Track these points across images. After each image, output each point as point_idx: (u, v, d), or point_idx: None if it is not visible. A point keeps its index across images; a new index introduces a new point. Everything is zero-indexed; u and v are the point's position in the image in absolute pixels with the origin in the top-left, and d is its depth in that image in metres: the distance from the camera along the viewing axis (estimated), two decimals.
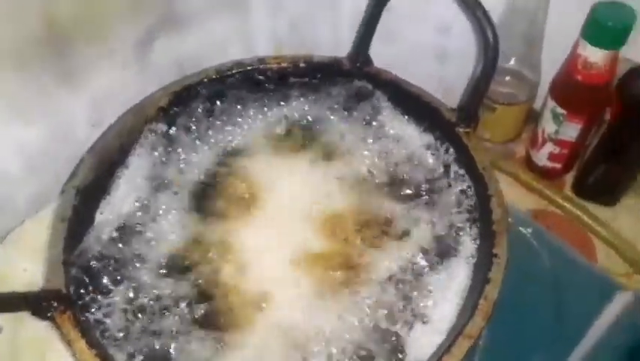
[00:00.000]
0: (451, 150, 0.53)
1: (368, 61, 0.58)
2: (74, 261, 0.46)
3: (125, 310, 0.46)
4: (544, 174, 0.67)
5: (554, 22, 0.61)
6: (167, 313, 0.47)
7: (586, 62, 0.57)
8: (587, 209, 0.63)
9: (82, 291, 0.46)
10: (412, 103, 0.56)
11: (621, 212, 0.64)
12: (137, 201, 0.52)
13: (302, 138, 0.58)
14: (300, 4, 0.69)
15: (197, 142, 0.57)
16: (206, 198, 0.54)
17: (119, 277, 0.48)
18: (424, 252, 0.49)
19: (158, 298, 0.47)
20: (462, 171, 0.51)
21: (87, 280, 0.47)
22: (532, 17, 0.61)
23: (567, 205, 0.64)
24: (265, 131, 0.59)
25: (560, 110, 0.61)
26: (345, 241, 0.50)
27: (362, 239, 0.50)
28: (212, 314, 0.47)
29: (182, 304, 0.47)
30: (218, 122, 0.58)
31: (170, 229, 0.51)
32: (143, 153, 0.54)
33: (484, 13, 0.48)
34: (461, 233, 0.49)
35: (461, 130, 0.51)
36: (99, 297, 0.46)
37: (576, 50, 0.57)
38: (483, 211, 0.47)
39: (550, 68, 0.63)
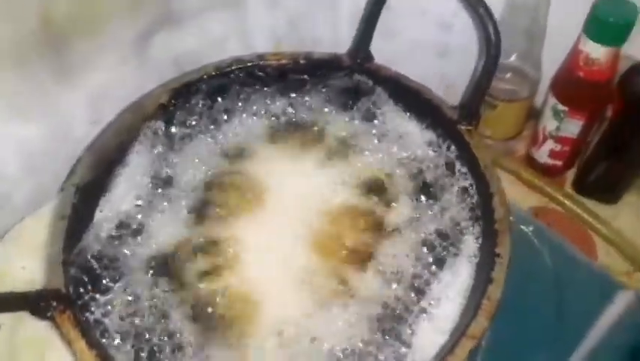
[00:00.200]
0: (453, 147, 0.53)
1: (369, 57, 0.58)
2: (74, 260, 0.46)
3: (124, 310, 0.46)
4: (545, 171, 0.67)
5: (556, 19, 0.61)
6: (166, 313, 0.46)
7: (587, 59, 0.56)
8: (588, 207, 0.63)
9: (81, 290, 0.45)
10: (413, 100, 0.55)
11: (622, 210, 0.64)
12: (136, 200, 0.52)
13: (303, 135, 0.58)
14: (298, 0, 0.68)
15: (197, 140, 0.57)
16: (206, 196, 0.53)
17: (118, 277, 0.48)
18: (426, 251, 0.49)
19: (157, 297, 0.47)
20: (464, 170, 0.51)
21: (86, 279, 0.46)
22: (533, 13, 0.60)
23: (568, 203, 0.64)
24: (266, 129, 0.58)
25: (561, 107, 0.61)
26: (347, 239, 0.50)
27: (364, 238, 0.50)
28: (212, 315, 0.46)
29: (182, 304, 0.47)
30: (219, 120, 0.58)
31: (170, 227, 0.51)
32: (143, 151, 0.54)
33: (486, 9, 0.48)
34: (463, 232, 0.49)
35: (463, 128, 0.51)
36: (98, 296, 0.46)
37: (577, 46, 0.57)
38: (485, 210, 0.47)
39: (551, 64, 0.63)
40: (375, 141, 0.57)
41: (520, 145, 0.71)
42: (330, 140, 0.57)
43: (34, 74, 0.52)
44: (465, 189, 0.51)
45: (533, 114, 0.69)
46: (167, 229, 0.51)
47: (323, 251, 0.49)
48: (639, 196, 0.65)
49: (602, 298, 0.53)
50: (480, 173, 0.48)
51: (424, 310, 0.45)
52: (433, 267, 0.48)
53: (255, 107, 0.59)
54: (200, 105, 0.57)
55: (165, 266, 0.49)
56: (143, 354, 0.44)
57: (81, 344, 0.40)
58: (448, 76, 0.69)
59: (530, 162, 0.69)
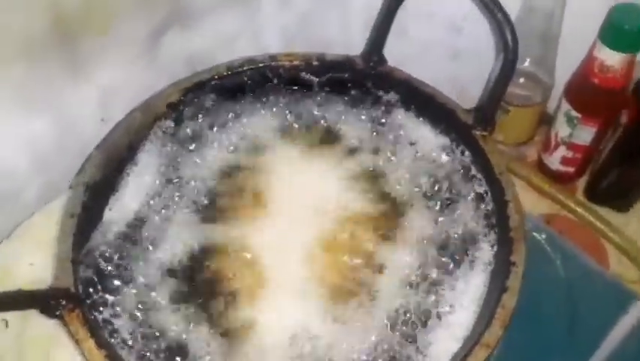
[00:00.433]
0: (467, 153, 0.52)
1: (382, 60, 0.57)
2: (83, 259, 0.46)
3: (133, 310, 0.46)
4: (557, 178, 0.67)
5: (570, 24, 0.61)
6: (175, 313, 0.46)
7: (602, 65, 0.56)
8: (600, 214, 0.63)
9: (90, 289, 0.45)
10: (427, 104, 0.55)
11: (634, 218, 0.64)
12: (146, 199, 0.52)
13: (314, 137, 0.57)
14: (310, 0, 0.68)
15: (208, 139, 0.56)
16: (217, 196, 0.53)
17: (127, 276, 0.47)
18: (440, 257, 0.48)
19: (166, 298, 0.47)
20: (479, 176, 0.50)
21: (95, 278, 0.46)
22: (548, 18, 0.60)
23: (580, 210, 0.63)
24: (277, 130, 0.58)
25: (574, 113, 0.61)
26: (359, 242, 0.50)
27: (376, 241, 0.50)
28: (221, 315, 0.46)
29: (191, 304, 0.47)
30: (229, 120, 0.57)
31: (180, 226, 0.51)
32: (153, 150, 0.54)
33: (504, 14, 0.47)
34: (478, 239, 0.48)
35: (478, 133, 0.51)
36: (107, 296, 0.46)
37: (592, 52, 0.57)
38: (500, 217, 0.47)
39: (565, 70, 0.62)
40: (388, 145, 0.56)
41: (532, 150, 0.71)
42: (341, 142, 0.57)
43: (45, 71, 0.52)
44: (479, 196, 0.50)
45: (546, 120, 0.68)
46: (177, 229, 0.51)
47: (335, 255, 0.49)
48: None
49: (616, 308, 0.53)
50: (495, 179, 0.48)
51: (437, 318, 0.45)
52: (447, 274, 0.47)
53: (266, 108, 0.58)
54: (211, 105, 0.57)
55: (175, 266, 0.49)
56: (152, 355, 0.44)
57: (89, 344, 0.40)
58: (459, 79, 0.68)
59: (542, 168, 0.68)
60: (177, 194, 0.53)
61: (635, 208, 0.64)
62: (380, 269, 0.48)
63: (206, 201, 0.53)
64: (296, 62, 0.58)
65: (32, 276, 0.50)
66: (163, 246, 0.50)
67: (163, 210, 0.51)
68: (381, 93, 0.57)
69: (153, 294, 0.47)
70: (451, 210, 0.51)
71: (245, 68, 0.57)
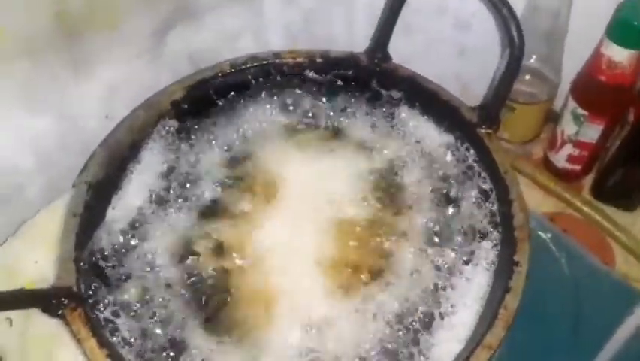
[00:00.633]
0: (472, 151, 0.52)
1: (386, 57, 0.57)
2: (85, 258, 0.46)
3: (135, 309, 0.46)
4: (562, 176, 0.66)
5: (577, 20, 0.60)
6: (178, 313, 0.46)
7: (610, 62, 0.55)
8: (606, 213, 0.62)
9: (92, 288, 0.45)
10: (431, 101, 0.55)
11: None
12: (149, 197, 0.52)
13: (318, 135, 0.57)
14: None
15: (212, 136, 0.56)
16: (221, 194, 0.53)
17: (130, 275, 0.47)
18: (444, 256, 0.48)
19: (169, 297, 0.47)
20: (483, 174, 0.50)
21: (98, 277, 0.46)
22: (554, 14, 0.59)
23: (586, 209, 0.63)
24: (281, 127, 0.58)
25: (581, 111, 0.60)
26: (364, 240, 0.49)
27: (380, 239, 0.49)
28: (225, 314, 0.46)
29: (195, 303, 0.46)
30: (233, 117, 0.57)
31: (184, 225, 0.51)
32: (156, 148, 0.54)
33: (510, 10, 0.47)
34: (482, 238, 0.48)
35: (482, 131, 0.50)
36: (109, 295, 0.46)
37: (600, 49, 0.56)
38: (504, 216, 0.46)
39: (571, 67, 0.62)
40: (392, 142, 0.56)
41: (538, 148, 0.70)
42: (346, 139, 0.56)
43: (49, 67, 0.52)
44: (484, 194, 0.50)
45: (552, 117, 0.68)
46: (180, 227, 0.51)
47: (338, 253, 0.49)
48: None
49: (621, 307, 0.52)
50: (499, 178, 0.47)
51: (440, 317, 0.44)
52: (450, 273, 0.47)
53: (269, 105, 0.58)
54: (215, 102, 0.57)
55: (179, 265, 0.48)
56: (154, 354, 0.44)
57: (91, 343, 0.40)
58: (464, 76, 0.68)
59: (547, 165, 0.68)
60: (181, 192, 0.53)
61: None
62: (384, 267, 0.48)
63: (210, 199, 0.53)
64: (300, 60, 0.57)
65: (37, 274, 0.50)
66: (166, 244, 0.49)
67: (166, 209, 0.51)
68: (385, 90, 0.57)
69: (156, 293, 0.47)
70: (455, 209, 0.51)
71: (248, 66, 0.57)
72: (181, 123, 0.55)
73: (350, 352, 0.44)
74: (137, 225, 0.50)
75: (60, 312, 0.41)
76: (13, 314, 0.49)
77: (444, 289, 0.46)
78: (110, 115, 0.58)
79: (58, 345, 0.47)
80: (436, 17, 0.65)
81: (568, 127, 0.62)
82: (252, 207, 0.52)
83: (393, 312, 0.45)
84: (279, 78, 0.58)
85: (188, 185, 0.53)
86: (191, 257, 0.49)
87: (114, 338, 0.43)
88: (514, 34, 0.47)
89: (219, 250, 0.49)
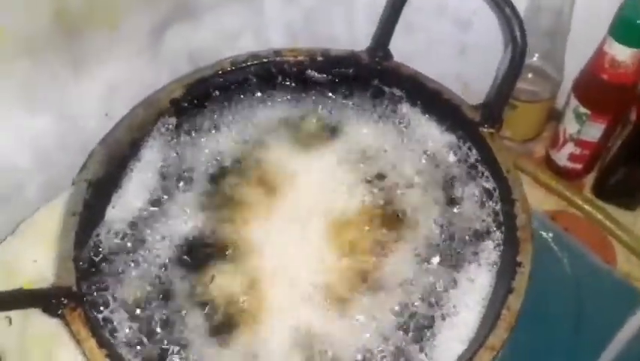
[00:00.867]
0: (474, 150, 0.52)
1: (387, 55, 0.57)
2: (85, 257, 0.46)
3: (135, 309, 0.45)
4: (564, 174, 0.66)
5: (580, 19, 0.60)
6: (178, 313, 0.46)
7: (613, 61, 0.55)
8: (608, 212, 0.62)
9: (92, 288, 0.45)
10: (433, 100, 0.54)
11: None
12: (149, 196, 0.51)
13: (319, 133, 0.57)
14: None
15: (212, 135, 0.56)
16: (221, 192, 0.53)
17: (130, 274, 0.47)
18: (446, 256, 0.48)
19: (169, 295, 0.46)
20: (485, 174, 0.50)
21: (97, 276, 0.46)
22: (557, 13, 0.59)
23: (587, 207, 0.62)
24: (282, 125, 0.57)
25: (583, 109, 0.60)
26: (364, 240, 0.49)
27: (382, 239, 0.49)
28: (225, 314, 0.46)
29: (194, 304, 0.46)
30: (233, 115, 0.57)
31: (184, 224, 0.50)
32: (156, 146, 0.53)
33: (513, 10, 0.47)
34: (484, 238, 0.48)
35: (485, 131, 0.50)
36: (109, 294, 0.45)
37: (602, 48, 0.56)
38: (507, 216, 0.46)
39: (574, 66, 0.62)
40: (394, 141, 0.55)
41: (539, 146, 0.70)
42: (346, 138, 0.56)
43: (48, 66, 0.52)
44: (486, 194, 0.49)
45: (554, 115, 0.67)
46: (180, 226, 0.50)
47: (340, 253, 0.48)
48: None
49: (623, 307, 0.52)
50: (502, 178, 0.47)
51: (442, 318, 0.44)
52: (452, 274, 0.47)
53: (270, 104, 0.58)
54: (215, 100, 0.56)
55: (179, 264, 0.48)
56: (153, 354, 0.43)
57: (91, 343, 0.40)
58: (465, 74, 0.68)
59: (549, 164, 0.67)
60: (180, 190, 0.52)
61: None
62: (385, 268, 0.48)
63: (209, 198, 0.52)
64: (300, 58, 0.57)
65: (36, 273, 0.50)
66: (166, 243, 0.49)
67: (166, 207, 0.51)
68: (386, 89, 0.57)
69: (156, 292, 0.47)
70: (457, 209, 0.50)
71: (249, 64, 0.56)
72: (180, 121, 0.55)
73: (351, 353, 0.43)
74: (137, 223, 0.50)
75: (60, 312, 0.41)
76: (13, 313, 0.48)
77: (446, 290, 0.46)
78: (109, 114, 0.57)
79: (58, 344, 0.47)
80: (436, 16, 0.65)
81: (570, 125, 0.62)
82: (252, 205, 0.52)
83: (395, 313, 0.45)
84: (279, 76, 0.57)
85: (187, 183, 0.53)
86: (191, 257, 0.49)
87: (114, 339, 0.43)
88: (517, 33, 0.47)
89: (219, 249, 0.49)
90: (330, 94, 0.58)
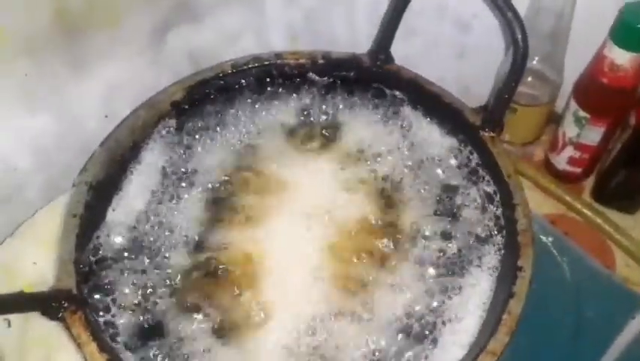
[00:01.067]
0: (475, 154, 0.52)
1: (389, 58, 0.57)
2: (85, 259, 0.46)
3: (136, 313, 0.45)
4: (563, 178, 0.66)
5: (580, 23, 0.60)
6: (179, 315, 0.46)
7: (612, 65, 0.55)
8: (607, 216, 0.62)
9: (93, 291, 0.45)
10: (434, 104, 0.54)
11: None
12: (150, 198, 0.51)
13: (319, 136, 0.57)
14: None
15: (213, 138, 0.56)
16: (222, 195, 0.53)
17: (130, 278, 0.47)
18: (447, 261, 0.48)
19: (171, 300, 0.46)
20: (486, 178, 0.50)
21: (98, 279, 0.46)
22: (558, 16, 0.59)
23: (587, 212, 0.62)
24: (283, 128, 0.57)
25: (582, 113, 0.60)
26: (365, 246, 0.49)
27: (382, 244, 0.49)
28: (225, 318, 0.46)
29: (196, 305, 0.46)
30: (234, 118, 0.57)
31: (184, 227, 0.50)
32: (157, 148, 0.53)
33: (515, 14, 0.47)
34: (485, 243, 0.48)
35: (486, 135, 0.50)
36: (110, 297, 0.45)
37: (602, 51, 0.56)
38: (508, 221, 0.46)
39: (573, 69, 0.62)
40: (395, 144, 0.56)
41: (539, 150, 0.70)
42: (347, 140, 0.56)
43: (48, 66, 0.52)
44: (487, 199, 0.49)
45: (553, 119, 0.67)
46: (181, 229, 0.50)
47: (340, 257, 0.49)
48: None
49: (623, 312, 0.52)
50: (503, 182, 0.47)
51: (442, 323, 0.44)
52: (453, 278, 0.47)
53: (271, 106, 0.58)
54: (216, 103, 0.56)
55: (179, 266, 0.48)
56: (155, 358, 0.43)
57: (91, 348, 0.40)
58: (465, 77, 0.68)
59: (548, 167, 0.67)
60: (181, 193, 0.52)
61: None
62: (385, 272, 0.48)
63: (210, 201, 0.52)
64: (302, 60, 0.57)
65: (36, 275, 0.50)
66: (167, 245, 0.49)
67: (167, 210, 0.51)
68: (388, 91, 0.57)
69: (157, 295, 0.47)
70: (458, 213, 0.50)
71: (250, 66, 0.56)
72: (181, 124, 0.55)
73: (352, 357, 0.43)
74: (138, 225, 0.50)
75: (60, 315, 0.41)
76: (12, 315, 0.48)
77: (447, 294, 0.46)
78: (109, 114, 0.57)
79: (57, 347, 0.46)
80: (437, 19, 0.65)
81: (569, 129, 0.62)
82: (252, 208, 0.52)
83: (396, 317, 0.45)
84: (280, 79, 0.57)
85: (188, 186, 0.53)
86: (192, 258, 0.49)
87: (115, 343, 0.43)
88: (519, 36, 0.47)
89: (219, 251, 0.49)
90: (331, 97, 0.58)
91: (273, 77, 0.57)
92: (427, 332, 0.44)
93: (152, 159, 0.53)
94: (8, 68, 0.49)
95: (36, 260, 0.51)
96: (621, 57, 0.54)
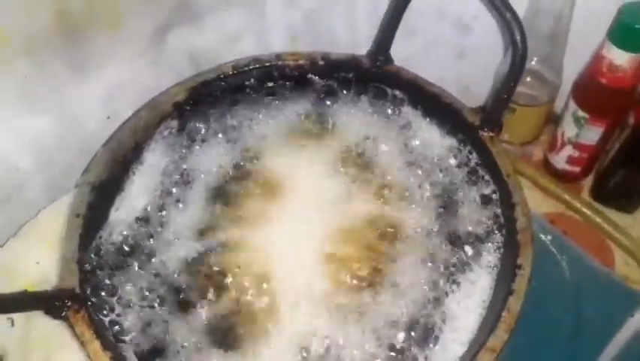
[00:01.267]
0: (474, 154, 0.52)
1: (388, 59, 0.57)
2: (88, 259, 0.46)
3: (139, 311, 0.46)
4: (562, 177, 0.66)
5: (579, 23, 0.60)
6: (180, 314, 0.46)
7: (611, 65, 0.55)
8: (606, 215, 0.62)
9: (96, 290, 0.45)
10: (434, 104, 0.55)
11: None
12: (152, 199, 0.52)
13: (320, 137, 0.57)
14: None
15: (214, 138, 0.56)
16: (223, 195, 0.53)
17: (133, 277, 0.47)
18: (446, 259, 0.48)
19: (174, 300, 0.47)
20: (486, 177, 0.50)
21: (101, 278, 0.46)
22: (557, 16, 0.59)
23: (586, 211, 0.63)
24: (283, 129, 0.57)
25: (581, 113, 0.60)
26: (366, 245, 0.49)
27: (382, 243, 0.49)
28: (229, 320, 0.46)
29: (199, 309, 0.46)
30: (236, 119, 0.57)
31: (187, 227, 0.51)
32: (159, 149, 0.54)
33: (514, 14, 0.47)
34: (484, 241, 0.48)
35: (485, 134, 0.50)
36: (113, 297, 0.46)
37: (601, 52, 0.56)
38: (507, 220, 0.47)
39: (572, 69, 0.62)
40: (394, 145, 0.56)
41: (538, 150, 0.70)
42: (347, 142, 0.56)
43: (49, 66, 0.52)
44: (486, 198, 0.50)
45: (552, 119, 0.68)
46: (183, 229, 0.50)
47: (340, 256, 0.49)
48: None
49: (622, 310, 0.52)
50: (502, 181, 0.47)
51: (442, 321, 0.44)
52: (452, 276, 0.47)
53: (271, 107, 0.58)
54: (217, 104, 0.56)
55: (182, 265, 0.48)
56: (158, 358, 0.44)
57: (95, 346, 0.40)
58: (465, 78, 0.68)
59: (547, 167, 0.68)
60: (183, 194, 0.53)
61: None
62: (385, 271, 0.48)
63: (212, 201, 0.52)
64: (301, 62, 0.57)
65: (39, 275, 0.50)
66: (170, 246, 0.49)
67: (169, 210, 0.51)
68: (387, 93, 0.57)
69: (160, 294, 0.47)
70: (458, 212, 0.51)
71: (251, 68, 0.57)
72: (183, 125, 0.55)
73: (353, 355, 0.44)
74: (140, 226, 0.50)
75: (63, 314, 0.41)
76: (15, 315, 0.49)
77: (447, 292, 0.46)
78: (110, 115, 0.57)
79: (61, 346, 0.47)
80: (436, 19, 0.66)
81: (568, 129, 0.62)
82: (253, 208, 0.52)
83: (396, 315, 0.45)
84: (280, 80, 0.58)
85: (190, 186, 0.53)
86: (194, 259, 0.49)
87: (118, 342, 0.43)
88: (518, 37, 0.47)
89: (221, 250, 0.49)
90: (331, 97, 0.58)
91: (273, 78, 0.57)
92: (427, 330, 0.44)
93: (154, 159, 0.53)
94: (8, 68, 0.49)
95: (39, 260, 0.52)
96: (620, 57, 0.54)
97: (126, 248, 0.49)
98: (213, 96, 0.56)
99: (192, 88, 0.55)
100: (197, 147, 0.55)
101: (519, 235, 0.44)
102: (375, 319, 0.45)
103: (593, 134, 0.61)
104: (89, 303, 0.43)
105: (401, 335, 0.44)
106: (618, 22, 0.53)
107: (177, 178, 0.53)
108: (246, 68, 0.56)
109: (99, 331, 0.41)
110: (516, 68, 0.48)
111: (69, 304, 0.41)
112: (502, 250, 0.47)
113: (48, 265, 0.50)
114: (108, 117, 0.58)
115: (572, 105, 0.61)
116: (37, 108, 0.53)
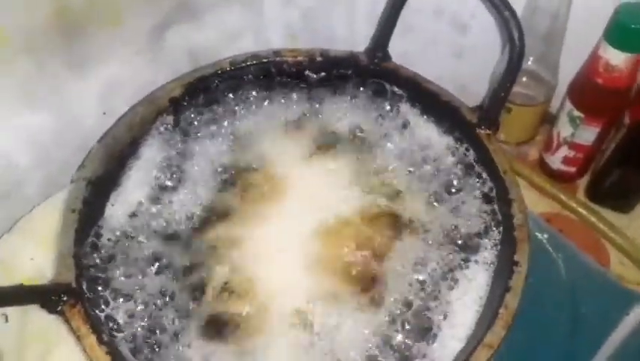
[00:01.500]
0: (472, 151, 0.52)
1: (386, 57, 0.57)
2: (84, 254, 0.46)
3: (134, 307, 0.45)
4: (558, 177, 0.67)
5: (575, 22, 0.60)
6: (175, 308, 0.46)
7: (607, 65, 0.55)
8: (602, 215, 0.62)
9: (92, 285, 0.45)
10: (432, 102, 0.55)
11: (636, 218, 0.64)
12: (148, 194, 0.51)
13: (317, 133, 0.57)
14: None
15: (211, 134, 0.56)
16: (220, 191, 0.53)
17: (129, 272, 0.47)
18: (442, 256, 0.48)
19: (168, 295, 0.47)
20: (483, 175, 0.50)
21: (97, 273, 0.46)
22: (553, 16, 0.60)
23: (581, 210, 0.63)
24: (281, 125, 0.58)
25: (577, 113, 0.60)
26: (362, 240, 0.49)
27: (380, 239, 0.49)
28: (223, 314, 0.46)
29: (193, 303, 0.46)
30: (232, 115, 0.57)
31: (182, 222, 0.51)
32: (155, 145, 0.54)
33: (512, 13, 0.47)
34: (481, 238, 0.48)
35: (482, 132, 0.50)
36: (109, 292, 0.45)
37: (597, 52, 0.56)
38: (504, 216, 0.47)
39: (568, 69, 0.62)
40: (392, 143, 0.56)
41: (533, 150, 0.70)
42: (345, 139, 0.57)
43: (47, 64, 0.52)
44: (483, 195, 0.50)
45: (548, 119, 0.68)
46: (179, 225, 0.50)
47: (338, 251, 0.49)
48: None
49: (618, 309, 0.52)
50: (499, 178, 0.48)
51: (439, 317, 0.44)
52: (450, 273, 0.47)
53: (269, 103, 0.58)
54: (214, 100, 0.56)
55: (177, 262, 0.48)
56: (153, 351, 0.44)
57: (91, 340, 0.40)
58: (462, 76, 0.68)
59: (543, 167, 0.68)
60: (179, 189, 0.53)
61: (637, 209, 0.64)
62: (383, 267, 0.48)
63: (208, 197, 0.52)
64: (300, 58, 0.57)
65: (33, 270, 0.50)
66: (165, 242, 0.49)
67: (164, 205, 0.51)
68: (385, 90, 0.57)
69: (155, 289, 0.47)
70: (455, 209, 0.51)
71: (248, 64, 0.56)
72: (179, 120, 0.55)
73: (350, 351, 0.44)
74: (136, 221, 0.50)
75: (59, 308, 0.41)
76: (10, 310, 0.48)
77: (444, 289, 0.46)
78: (108, 112, 0.57)
79: (57, 341, 0.47)
80: (434, 17, 0.66)
81: (564, 129, 0.63)
82: (250, 205, 0.52)
83: (394, 312, 0.45)
84: (278, 76, 0.58)
85: (186, 182, 0.53)
86: (188, 254, 0.49)
87: (114, 336, 0.43)
88: (515, 35, 0.47)
89: (216, 247, 0.49)
90: (329, 94, 0.58)
91: (271, 74, 0.57)
92: (424, 326, 0.44)
93: (151, 155, 0.53)
94: (8, 67, 0.49)
95: (33, 256, 0.51)
96: (616, 57, 0.55)
97: (121, 243, 0.48)
98: (210, 92, 0.56)
99: (189, 83, 0.55)
100: (193, 142, 0.55)
101: (516, 232, 0.44)
102: (372, 316, 0.45)
103: (588, 135, 0.61)
104: (85, 297, 0.43)
105: (398, 331, 0.44)
106: (615, 22, 0.54)
107: (173, 173, 0.53)
108: (244, 64, 0.56)
109: (95, 325, 0.41)
110: (513, 66, 0.48)
111: (65, 298, 0.41)
112: (499, 246, 0.47)
113: (43, 260, 0.50)
114: (104, 113, 0.57)
115: (568, 105, 0.61)
116: (36, 105, 0.53)
